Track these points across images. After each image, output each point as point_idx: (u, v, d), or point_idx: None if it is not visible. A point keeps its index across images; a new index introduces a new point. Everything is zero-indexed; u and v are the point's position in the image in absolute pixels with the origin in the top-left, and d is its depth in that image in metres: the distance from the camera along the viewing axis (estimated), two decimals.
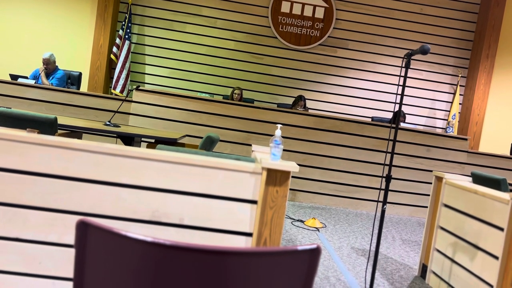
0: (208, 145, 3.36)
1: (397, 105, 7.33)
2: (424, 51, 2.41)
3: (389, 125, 5.61)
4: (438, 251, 3.11)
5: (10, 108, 3.51)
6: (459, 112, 7.30)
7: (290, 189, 5.46)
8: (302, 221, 4.43)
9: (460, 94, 7.33)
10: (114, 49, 6.94)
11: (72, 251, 2.06)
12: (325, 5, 7.10)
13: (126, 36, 6.88)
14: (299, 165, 5.43)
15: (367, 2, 7.15)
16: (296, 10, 7.09)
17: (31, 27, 6.98)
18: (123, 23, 6.92)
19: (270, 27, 7.12)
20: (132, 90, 4.89)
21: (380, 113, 7.26)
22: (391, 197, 5.56)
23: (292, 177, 5.43)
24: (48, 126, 2.93)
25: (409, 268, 3.45)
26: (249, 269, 0.82)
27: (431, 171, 5.60)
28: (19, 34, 6.97)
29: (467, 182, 3.07)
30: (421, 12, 7.22)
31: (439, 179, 3.26)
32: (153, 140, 4.84)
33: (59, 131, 3.66)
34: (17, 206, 2.02)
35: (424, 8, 7.22)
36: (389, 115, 7.20)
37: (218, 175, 2.06)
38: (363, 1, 7.15)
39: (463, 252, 2.78)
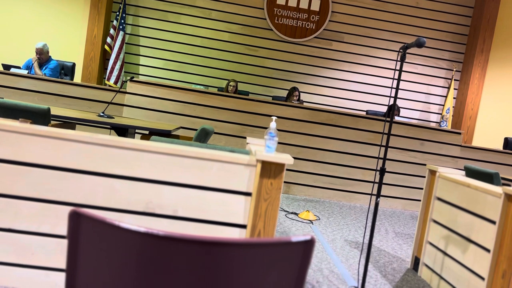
0: (203, 137, 3.35)
1: (392, 99, 7.34)
2: (419, 44, 2.40)
3: (383, 118, 5.63)
4: (431, 244, 3.13)
5: (3, 98, 3.48)
6: (453, 106, 7.33)
7: (284, 182, 5.47)
8: (296, 214, 4.44)
9: (454, 88, 7.36)
10: (108, 39, 6.88)
11: (64, 242, 2.05)
12: None
13: (120, 27, 6.82)
14: (293, 158, 5.44)
15: None
16: (292, 2, 7.06)
17: (24, 17, 6.89)
18: (117, 13, 6.85)
19: (265, 19, 7.08)
20: (126, 81, 4.86)
21: (375, 106, 7.28)
22: (384, 190, 5.59)
23: (287, 169, 5.43)
24: (41, 117, 2.90)
25: (402, 261, 3.48)
26: (243, 260, 0.82)
27: (424, 164, 5.63)
28: (12, 23, 6.88)
29: (460, 175, 3.09)
30: (417, 5, 7.22)
31: (432, 172, 3.28)
32: (147, 132, 4.82)
33: (52, 122, 3.63)
34: (10, 197, 2.01)
35: (420, 2, 7.21)
36: (384, 109, 7.21)
37: (212, 167, 2.05)
38: None
39: (455, 245, 2.80)
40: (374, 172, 5.54)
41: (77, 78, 6.79)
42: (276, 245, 0.84)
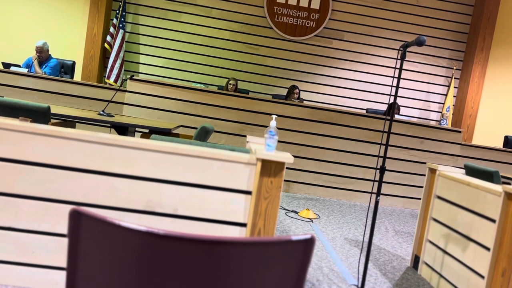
0: (203, 135, 3.35)
1: (392, 97, 7.34)
2: (420, 43, 2.40)
3: (383, 117, 5.63)
4: (431, 242, 3.14)
5: (3, 96, 3.47)
6: (453, 105, 7.33)
7: (284, 180, 5.47)
8: (296, 212, 4.44)
9: (454, 87, 7.35)
10: (108, 38, 6.87)
11: (65, 241, 2.06)
12: None
13: (120, 25, 6.81)
14: (293, 156, 5.44)
15: None
16: (292, 0, 7.05)
17: (24, 15, 6.88)
18: (117, 11, 6.84)
19: (265, 17, 7.07)
20: (126, 80, 4.86)
21: (375, 105, 7.27)
22: (384, 188, 5.59)
23: (287, 168, 5.43)
24: (41, 115, 2.90)
25: (402, 259, 3.48)
26: (243, 259, 0.82)
27: (424, 163, 5.63)
28: (12, 22, 6.87)
29: (460, 174, 3.09)
30: (417, 4, 7.21)
31: (432, 171, 3.28)
32: (147, 130, 4.81)
33: (52, 121, 3.63)
34: (10, 195, 2.01)
35: (420, 0, 7.20)
36: (384, 107, 7.21)
37: (212, 166, 2.05)
38: None
39: (455, 244, 2.80)
40: (374, 170, 5.55)
41: (77, 77, 6.78)
42: (276, 244, 0.84)
